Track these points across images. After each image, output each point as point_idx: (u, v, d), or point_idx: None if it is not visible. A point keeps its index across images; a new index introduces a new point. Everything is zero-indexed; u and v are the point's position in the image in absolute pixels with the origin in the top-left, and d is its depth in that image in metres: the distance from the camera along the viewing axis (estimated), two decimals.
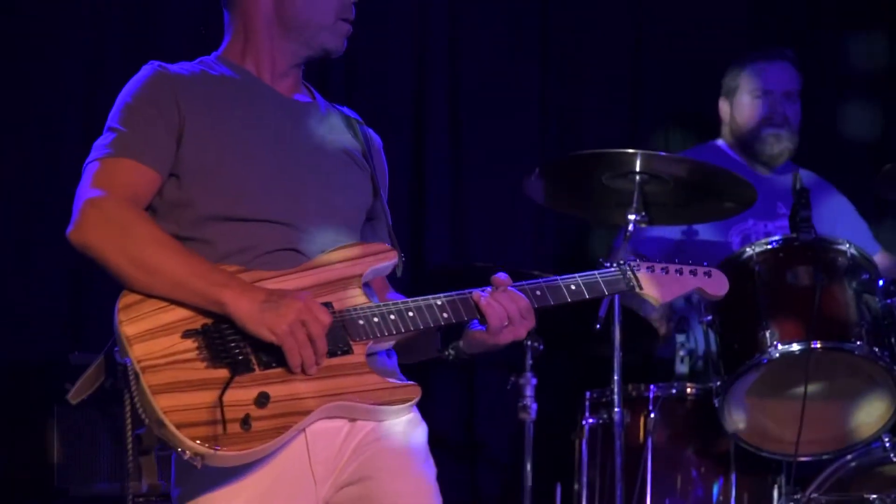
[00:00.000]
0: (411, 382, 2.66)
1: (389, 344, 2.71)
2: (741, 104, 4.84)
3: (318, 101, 2.92)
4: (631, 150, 3.96)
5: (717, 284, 2.96)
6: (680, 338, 4.42)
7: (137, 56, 3.66)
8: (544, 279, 2.79)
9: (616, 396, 3.97)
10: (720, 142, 4.93)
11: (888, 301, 3.98)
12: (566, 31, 5.29)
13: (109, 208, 2.57)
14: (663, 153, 3.96)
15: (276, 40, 2.82)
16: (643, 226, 3.98)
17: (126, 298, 2.55)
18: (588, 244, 4.99)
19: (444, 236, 5.06)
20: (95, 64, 4.55)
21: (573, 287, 2.81)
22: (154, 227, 2.60)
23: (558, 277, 2.80)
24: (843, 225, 4.72)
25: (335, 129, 2.88)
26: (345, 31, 2.85)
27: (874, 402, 4.02)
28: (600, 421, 4.19)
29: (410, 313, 2.67)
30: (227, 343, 2.53)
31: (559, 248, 5.21)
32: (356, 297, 2.66)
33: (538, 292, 2.76)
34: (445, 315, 2.69)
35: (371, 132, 2.98)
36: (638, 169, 3.95)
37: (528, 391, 4.22)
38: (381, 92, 4.94)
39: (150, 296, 2.55)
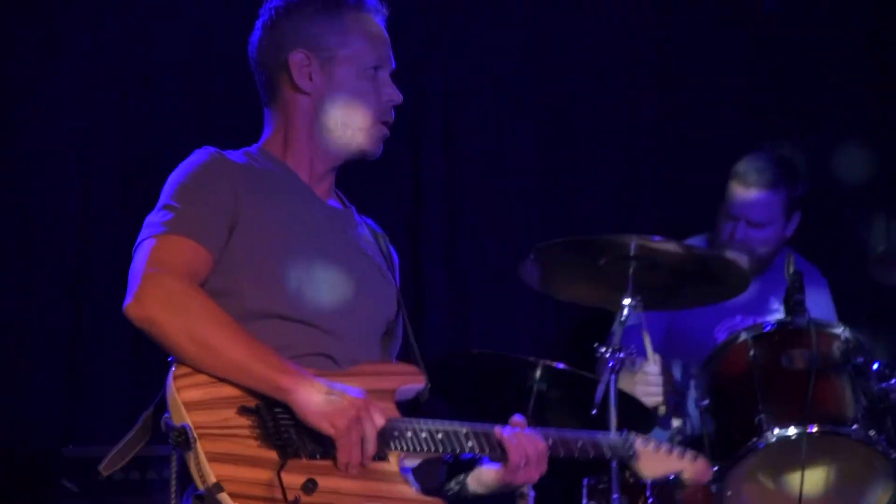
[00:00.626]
0: (439, 499, 2.70)
1: (416, 462, 2.73)
2: (720, 217, 4.78)
3: (350, 210, 2.98)
4: (627, 235, 3.97)
5: (700, 471, 3.14)
6: (676, 422, 4.41)
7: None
8: (554, 430, 2.88)
9: (613, 483, 3.95)
10: (701, 239, 4.86)
11: (883, 385, 3.98)
12: (564, 114, 5.32)
13: (171, 285, 2.59)
14: (657, 237, 3.96)
15: (315, 141, 2.88)
16: (637, 310, 3.98)
17: (180, 369, 2.56)
18: (586, 328, 4.99)
19: (442, 323, 5.06)
20: None
21: (580, 445, 2.93)
22: (216, 306, 2.61)
23: (569, 432, 2.91)
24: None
25: (366, 238, 2.95)
26: (382, 135, 2.91)
27: (873, 488, 4.01)
28: None
29: (439, 435, 2.71)
30: (279, 426, 2.55)
31: (558, 333, 5.21)
32: (390, 410, 2.70)
33: (550, 441, 2.85)
34: (471, 444, 2.75)
35: (392, 248, 3.05)
36: (633, 253, 3.96)
37: None
38: (377, 178, 4.98)
39: (208, 374, 2.56)
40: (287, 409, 2.55)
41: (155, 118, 4.72)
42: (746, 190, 4.69)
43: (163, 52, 4.75)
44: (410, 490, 2.66)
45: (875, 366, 4.01)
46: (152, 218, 2.71)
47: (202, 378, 2.56)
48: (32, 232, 4.56)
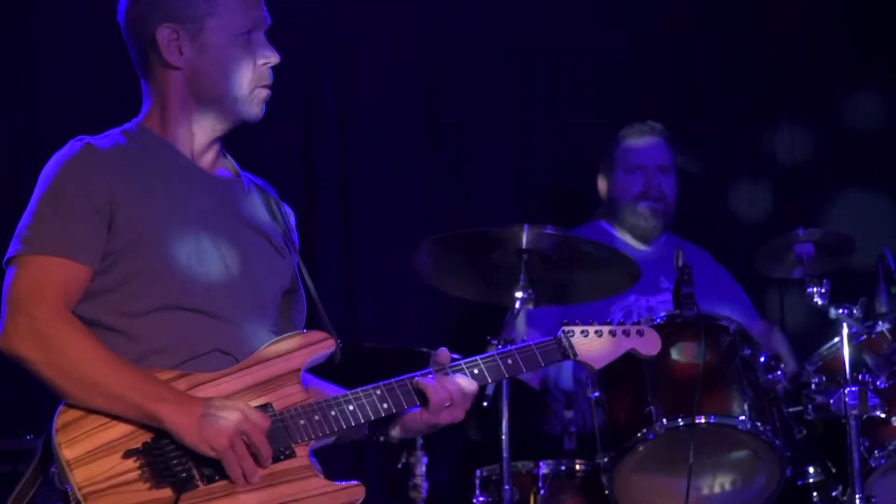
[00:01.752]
0: (354, 482, 2.65)
1: (331, 440, 2.69)
2: (616, 180, 4.92)
3: (241, 177, 2.88)
4: (517, 226, 3.99)
5: (650, 343, 2.97)
6: (568, 414, 4.44)
7: None
8: (480, 355, 2.79)
9: (505, 474, 3.97)
10: (602, 222, 5.00)
11: (769, 376, 4.06)
12: (455, 102, 5.33)
13: (40, 320, 2.53)
14: (549, 229, 4.00)
15: (193, 115, 2.78)
16: (529, 305, 4.00)
17: (64, 416, 2.51)
18: (477, 320, 5.01)
19: (335, 313, 5.04)
20: None
21: (510, 361, 2.81)
22: (89, 339, 2.55)
23: (495, 353, 2.81)
24: (720, 294, 4.79)
25: (257, 209, 2.85)
26: (262, 98, 2.80)
27: (759, 478, 4.08)
28: (490, 499, 4.19)
29: (351, 407, 2.66)
30: (168, 460, 2.50)
31: (451, 327, 5.22)
32: (295, 395, 2.65)
33: (475, 370, 2.78)
34: (386, 406, 2.69)
35: (286, 207, 2.96)
36: (524, 246, 3.99)
37: (420, 470, 4.22)
38: (270, 163, 4.94)
39: (86, 410, 2.51)
40: (174, 438, 2.52)
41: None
42: (642, 138, 4.90)
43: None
44: (321, 481, 2.62)
45: (762, 358, 4.09)
46: (21, 228, 2.63)
47: (86, 424, 2.51)
48: None
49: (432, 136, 5.29)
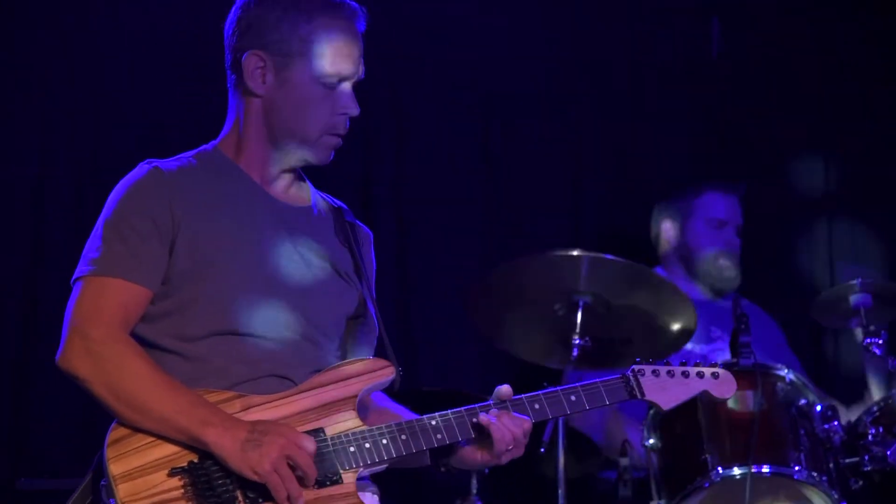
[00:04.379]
0: None
1: (382, 467, 2.70)
2: (694, 230, 4.92)
3: (311, 203, 2.89)
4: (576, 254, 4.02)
5: (725, 386, 2.93)
6: (623, 461, 4.44)
7: None
8: (543, 391, 2.78)
9: None
10: (659, 269, 5.00)
11: (825, 426, 4.05)
12: (510, 151, 5.36)
13: (96, 340, 2.58)
14: (609, 256, 4.04)
15: (266, 144, 2.80)
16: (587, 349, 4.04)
17: (116, 432, 2.57)
18: (536, 369, 5.03)
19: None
20: None
21: (573, 398, 2.80)
22: (141, 360, 2.60)
23: (559, 388, 2.80)
24: (775, 355, 4.78)
25: (325, 235, 2.86)
26: (332, 145, 2.82)
27: None
28: None
29: (403, 436, 2.67)
30: (212, 481, 2.54)
31: (506, 371, 5.23)
32: (349, 421, 2.66)
33: (537, 406, 2.77)
34: (439, 436, 2.70)
35: (362, 227, 2.97)
36: (585, 273, 4.03)
37: None
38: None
39: (137, 430, 2.56)
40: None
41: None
42: (731, 195, 4.88)
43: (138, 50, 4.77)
44: None
45: (818, 408, 4.09)
46: (87, 250, 2.69)
47: (136, 441, 2.56)
48: None
49: (487, 186, 5.32)
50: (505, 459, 2.74)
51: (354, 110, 2.82)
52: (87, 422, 4.22)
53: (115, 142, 4.68)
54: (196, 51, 4.65)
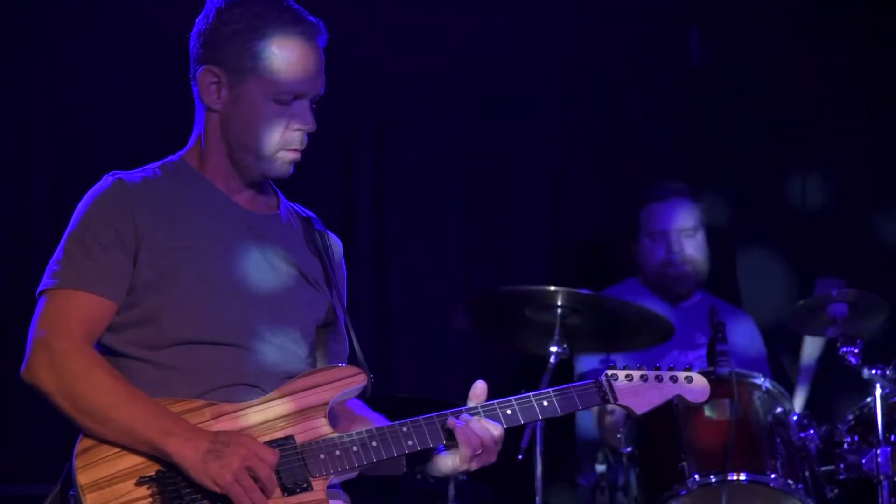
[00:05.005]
0: None
1: (353, 474, 2.69)
2: (643, 246, 4.92)
3: (280, 211, 2.88)
4: (553, 288, 4.06)
5: (698, 391, 2.91)
6: (600, 468, 4.46)
7: None
8: (515, 396, 2.76)
9: None
10: (636, 279, 5.02)
11: (801, 434, 4.07)
12: (492, 160, 5.37)
13: (60, 352, 2.58)
14: (584, 291, 4.07)
15: (224, 159, 2.79)
16: (564, 357, 4.06)
17: (84, 442, 2.56)
18: (516, 373, 5.04)
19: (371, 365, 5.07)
20: None
21: (545, 403, 2.78)
22: (104, 372, 2.59)
23: (531, 394, 2.77)
24: (743, 347, 4.80)
25: (294, 242, 2.85)
26: (288, 160, 2.79)
27: None
28: None
29: (374, 443, 2.66)
30: (180, 490, 2.54)
31: (485, 378, 5.23)
32: (320, 428, 2.66)
33: (509, 411, 2.75)
34: (410, 443, 2.69)
35: (332, 237, 2.95)
36: (560, 303, 4.05)
37: None
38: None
39: (102, 441, 2.55)
40: None
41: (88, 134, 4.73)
42: (666, 202, 4.87)
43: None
44: None
45: (794, 417, 4.11)
46: (52, 263, 2.68)
47: (104, 450, 2.55)
48: None
49: (469, 188, 5.32)
50: (475, 465, 2.72)
51: (311, 126, 2.79)
52: (65, 427, 4.21)
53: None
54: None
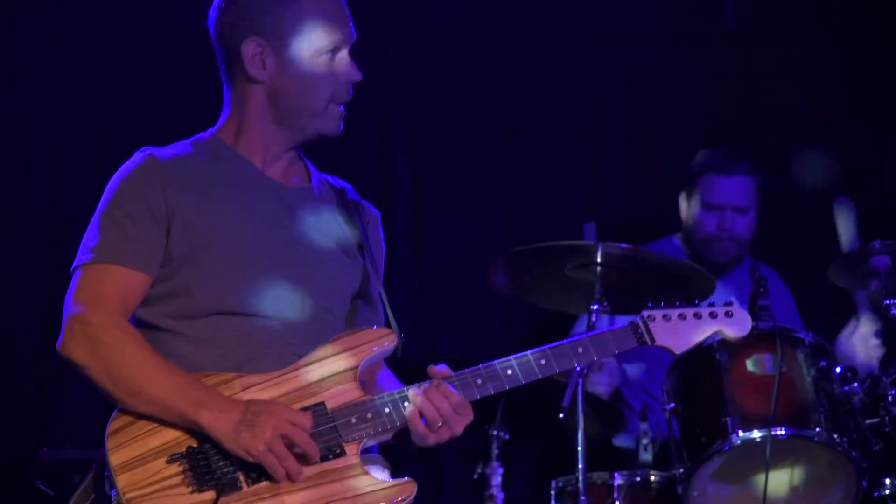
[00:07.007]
0: (406, 479, 2.63)
1: (388, 436, 2.69)
2: (693, 212, 4.89)
3: (311, 184, 2.91)
4: (592, 242, 4.04)
5: (740, 324, 2.85)
6: (643, 425, 4.45)
7: None
8: (549, 345, 2.70)
9: (581, 485, 3.99)
10: (676, 239, 4.99)
11: (845, 388, 4.05)
12: (529, 122, 5.36)
13: (94, 326, 2.61)
14: (624, 245, 4.04)
15: (269, 128, 2.82)
16: (603, 315, 4.04)
17: (116, 422, 2.59)
18: (555, 332, 5.03)
19: (410, 328, 5.08)
20: None
21: (580, 350, 2.72)
22: (138, 345, 2.61)
23: (566, 341, 2.72)
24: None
25: (326, 214, 2.87)
26: (339, 114, 2.85)
27: (836, 489, 4.07)
28: None
29: (386, 409, 2.65)
30: (212, 465, 2.55)
31: (524, 337, 5.25)
32: (350, 392, 2.66)
33: (543, 361, 2.69)
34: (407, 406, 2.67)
35: (367, 206, 2.98)
36: (599, 260, 4.03)
37: (495, 481, 4.25)
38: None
39: (136, 415, 2.57)
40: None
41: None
42: (727, 177, 4.82)
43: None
44: (370, 479, 2.60)
45: (837, 369, 4.08)
46: (85, 239, 2.71)
47: (136, 429, 2.58)
48: (2, 236, 4.57)
49: (506, 152, 5.31)
50: (432, 441, 2.64)
51: (357, 76, 2.86)
52: None
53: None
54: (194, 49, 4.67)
